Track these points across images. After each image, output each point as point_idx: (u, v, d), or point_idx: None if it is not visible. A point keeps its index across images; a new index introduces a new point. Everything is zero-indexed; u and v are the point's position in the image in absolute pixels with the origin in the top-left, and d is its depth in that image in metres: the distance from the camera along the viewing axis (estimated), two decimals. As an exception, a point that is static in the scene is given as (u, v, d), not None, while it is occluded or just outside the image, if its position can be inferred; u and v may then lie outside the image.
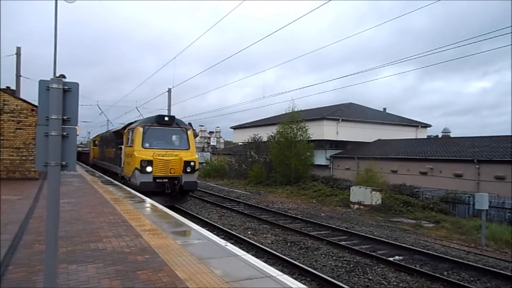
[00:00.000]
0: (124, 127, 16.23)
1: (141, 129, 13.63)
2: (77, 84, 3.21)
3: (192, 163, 13.73)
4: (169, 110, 29.68)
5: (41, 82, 3.09)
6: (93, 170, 25.75)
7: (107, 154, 21.68)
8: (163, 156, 13.38)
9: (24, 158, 14.93)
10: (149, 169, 12.93)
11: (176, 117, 15.03)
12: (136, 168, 12.93)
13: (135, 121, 15.83)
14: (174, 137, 14.75)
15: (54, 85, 3.05)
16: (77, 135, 3.45)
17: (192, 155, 14.16)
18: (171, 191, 13.35)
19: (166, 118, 14.34)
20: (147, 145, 13.61)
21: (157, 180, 13.20)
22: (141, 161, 12.86)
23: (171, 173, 13.46)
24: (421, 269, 8.28)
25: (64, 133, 3.10)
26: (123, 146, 15.51)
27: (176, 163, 13.53)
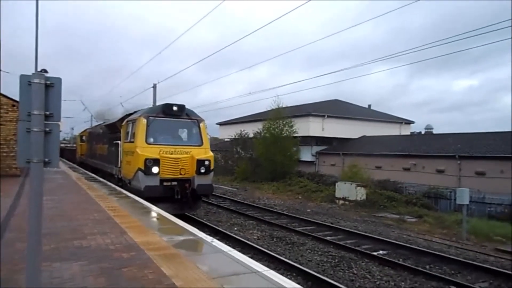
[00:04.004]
0: (121, 119, 13.93)
1: (144, 121, 11.41)
2: (59, 79, 3.15)
3: (206, 162, 11.66)
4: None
5: (22, 77, 3.01)
6: (77, 166, 25.28)
7: (98, 151, 19.16)
8: (171, 154, 11.29)
9: (4, 154, 14.55)
10: (155, 169, 10.80)
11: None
12: (140, 169, 10.79)
13: (136, 112, 13.44)
14: (184, 131, 12.69)
15: (36, 80, 2.98)
16: (60, 131, 3.38)
17: (206, 153, 12.08)
18: (181, 197, 11.21)
19: (175, 108, 11.97)
20: (151, 140, 11.44)
21: (165, 183, 11.12)
22: (146, 160, 10.72)
23: (181, 174, 11.39)
24: (404, 263, 8.48)
25: (47, 129, 3.04)
26: (120, 142, 13.14)
27: (187, 162, 11.47)
